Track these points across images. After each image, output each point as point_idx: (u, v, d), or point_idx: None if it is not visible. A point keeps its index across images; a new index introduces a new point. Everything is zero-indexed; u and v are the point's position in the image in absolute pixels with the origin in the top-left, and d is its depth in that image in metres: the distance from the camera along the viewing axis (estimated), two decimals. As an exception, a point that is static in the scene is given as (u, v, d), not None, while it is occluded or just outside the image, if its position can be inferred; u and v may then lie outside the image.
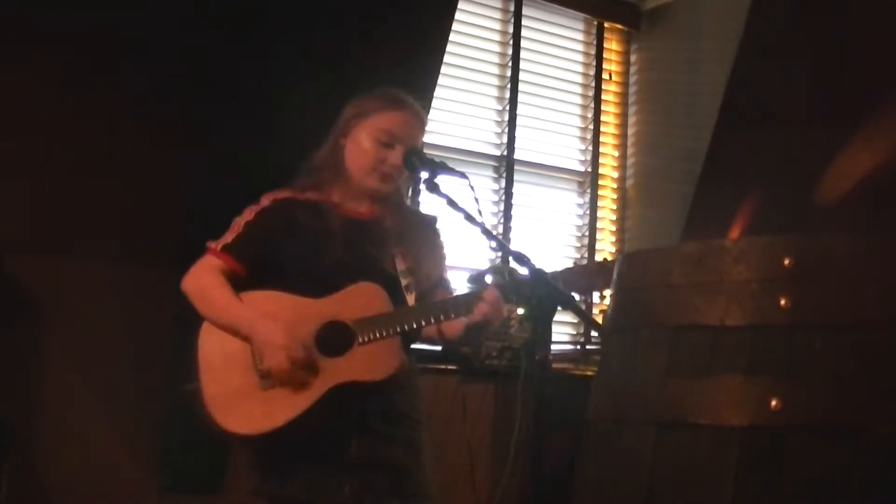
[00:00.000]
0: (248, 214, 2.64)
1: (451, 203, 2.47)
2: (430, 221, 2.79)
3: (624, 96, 5.72)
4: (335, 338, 2.49)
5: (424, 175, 2.54)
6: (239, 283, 2.58)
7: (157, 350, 3.96)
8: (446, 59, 4.73)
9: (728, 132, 4.60)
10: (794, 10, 4.38)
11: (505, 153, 5.19)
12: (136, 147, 3.90)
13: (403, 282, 2.59)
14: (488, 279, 4.01)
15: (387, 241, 2.63)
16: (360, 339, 2.48)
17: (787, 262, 1.90)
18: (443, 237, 2.80)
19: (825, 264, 1.89)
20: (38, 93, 3.75)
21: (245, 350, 2.51)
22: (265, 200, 2.67)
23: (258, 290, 2.57)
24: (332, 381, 2.46)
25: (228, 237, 2.61)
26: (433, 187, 2.52)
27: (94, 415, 3.84)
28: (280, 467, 2.51)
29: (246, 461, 2.61)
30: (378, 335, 2.47)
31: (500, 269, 4.29)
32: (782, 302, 1.88)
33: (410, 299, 2.58)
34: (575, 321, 5.22)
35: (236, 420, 2.47)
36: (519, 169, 5.24)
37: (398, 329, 2.48)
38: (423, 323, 2.50)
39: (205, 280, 2.59)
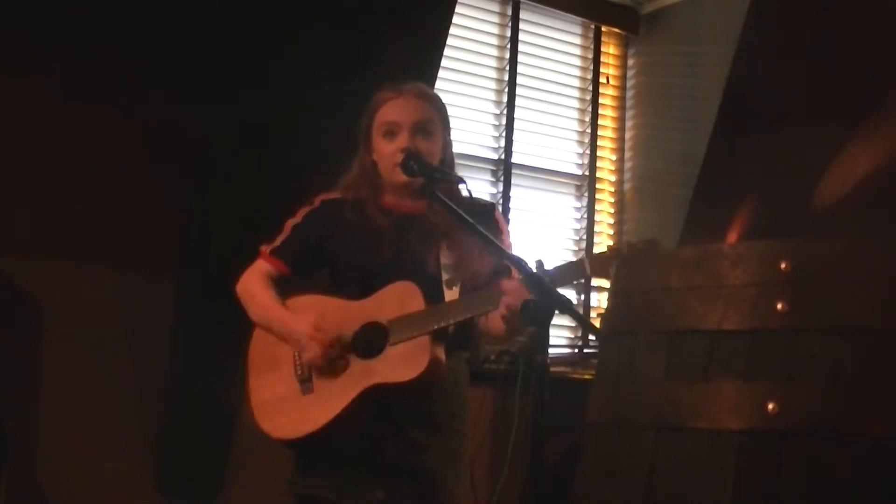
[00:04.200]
0: (298, 216, 2.72)
1: (448, 207, 2.47)
2: (484, 209, 2.74)
3: (622, 100, 5.73)
4: (371, 339, 2.51)
5: (421, 179, 2.54)
6: (288, 285, 2.68)
7: (157, 352, 3.96)
8: (444, 62, 4.74)
9: (726, 136, 4.61)
10: (791, 14, 4.38)
11: (503, 157, 5.20)
12: (136, 149, 3.91)
13: (445, 276, 2.57)
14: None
15: (433, 235, 2.63)
16: (393, 340, 2.48)
17: (784, 266, 1.90)
18: (501, 222, 2.76)
19: (823, 269, 1.89)
20: (38, 94, 3.76)
21: (289, 356, 2.59)
22: (316, 201, 2.73)
23: (302, 295, 2.67)
24: (363, 383, 2.47)
25: (278, 240, 2.71)
26: (430, 191, 2.51)
27: (93, 417, 3.84)
28: (316, 468, 2.56)
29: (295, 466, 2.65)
30: (409, 335, 2.46)
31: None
32: (780, 306, 1.88)
33: (451, 294, 2.55)
34: (572, 325, 5.22)
35: (277, 426, 2.56)
36: (517, 172, 5.25)
37: (427, 328, 2.46)
38: (451, 321, 2.48)
39: (250, 284, 2.69)
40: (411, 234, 2.62)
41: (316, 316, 2.55)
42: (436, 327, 2.45)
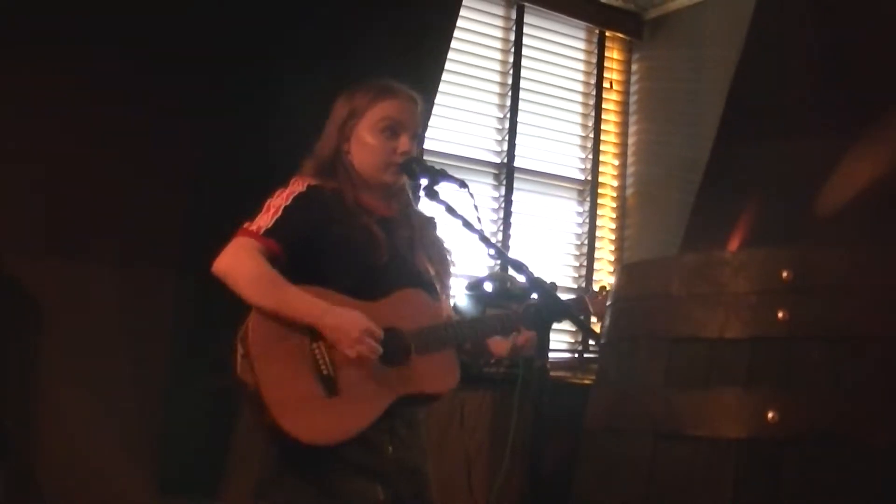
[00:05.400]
0: (284, 198, 2.49)
1: (451, 210, 2.45)
2: (434, 222, 2.72)
3: (625, 105, 5.73)
4: (391, 345, 2.43)
5: (424, 182, 2.53)
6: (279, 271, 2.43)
7: (156, 351, 3.96)
8: (448, 66, 4.74)
9: (729, 142, 4.60)
10: (795, 20, 4.38)
11: (505, 161, 5.20)
12: (136, 148, 3.91)
13: (438, 285, 2.57)
14: (487, 286, 4.01)
15: (414, 243, 2.59)
16: (417, 349, 2.44)
17: (785, 274, 1.90)
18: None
19: (824, 277, 1.89)
20: (39, 94, 3.75)
21: (302, 349, 2.38)
22: (299, 185, 2.52)
23: (304, 286, 2.42)
24: (398, 390, 2.42)
25: (267, 220, 2.45)
26: (433, 194, 2.50)
27: (93, 417, 3.84)
28: (315, 478, 2.41)
29: (279, 468, 2.47)
30: (434, 346, 2.45)
31: (499, 277, 4.30)
32: (780, 315, 1.88)
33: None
34: (573, 329, 5.22)
35: (305, 429, 2.32)
36: (519, 177, 5.25)
37: (453, 341, 2.46)
38: (477, 336, 2.50)
39: (250, 263, 2.40)
40: (394, 238, 2.56)
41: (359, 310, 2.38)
42: (461, 341, 2.49)
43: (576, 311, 2.53)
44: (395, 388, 2.42)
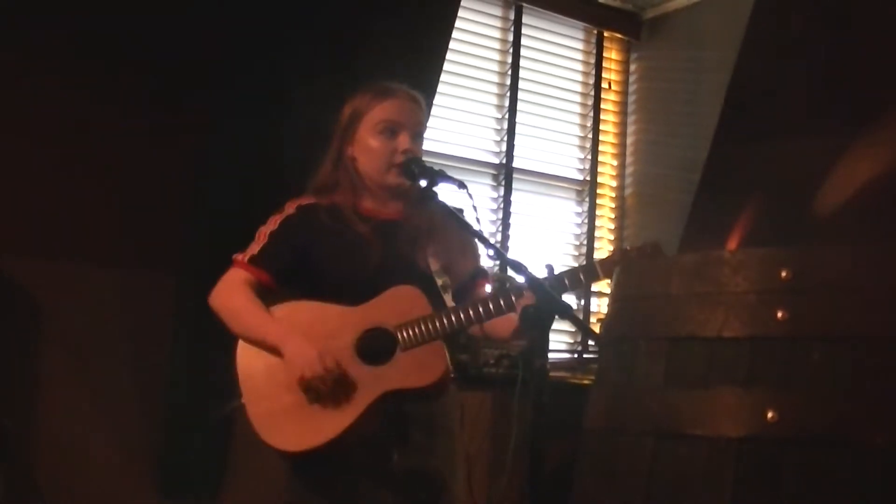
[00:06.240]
0: (272, 223, 2.59)
1: (449, 211, 2.47)
2: (457, 212, 2.70)
3: (623, 105, 5.74)
4: (377, 345, 2.45)
5: (423, 183, 2.54)
6: (270, 294, 2.54)
7: (156, 352, 3.96)
8: (446, 66, 4.75)
9: (727, 142, 4.60)
10: (793, 20, 4.39)
11: (504, 161, 5.20)
12: (136, 149, 3.91)
13: (439, 281, 2.55)
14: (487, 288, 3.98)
15: (418, 241, 2.59)
16: (403, 345, 2.44)
17: (784, 273, 1.90)
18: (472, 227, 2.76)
19: (823, 276, 1.89)
20: (37, 95, 3.76)
21: (285, 364, 2.46)
22: (289, 208, 2.62)
23: (292, 301, 2.54)
24: (377, 390, 2.42)
25: (254, 248, 2.56)
26: (431, 195, 2.51)
27: (93, 417, 3.84)
28: (321, 481, 2.47)
29: (284, 474, 2.54)
30: (420, 339, 2.43)
31: (499, 277, 4.30)
32: (780, 314, 1.88)
33: (447, 299, 2.53)
34: (572, 330, 5.22)
35: (284, 438, 2.43)
36: (518, 177, 5.25)
37: (440, 331, 2.44)
38: (466, 323, 2.46)
39: (233, 296, 2.54)
40: (394, 241, 2.57)
41: (315, 336, 2.44)
42: (449, 330, 2.44)
43: (588, 277, 2.52)
44: (376, 386, 2.42)
